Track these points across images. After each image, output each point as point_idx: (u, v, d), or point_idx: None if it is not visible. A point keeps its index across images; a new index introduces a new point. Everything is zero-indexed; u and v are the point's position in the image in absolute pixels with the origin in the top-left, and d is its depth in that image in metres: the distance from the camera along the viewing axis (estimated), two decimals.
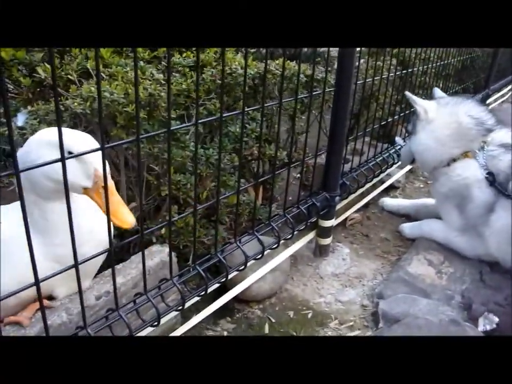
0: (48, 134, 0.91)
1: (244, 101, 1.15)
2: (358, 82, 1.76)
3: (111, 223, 0.89)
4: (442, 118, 1.82)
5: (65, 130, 0.80)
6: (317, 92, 1.55)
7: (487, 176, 1.70)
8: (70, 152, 0.84)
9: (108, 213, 0.86)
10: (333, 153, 1.67)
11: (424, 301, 1.53)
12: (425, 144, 1.84)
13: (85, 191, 0.91)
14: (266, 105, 1.24)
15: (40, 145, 0.89)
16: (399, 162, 2.24)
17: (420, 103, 1.84)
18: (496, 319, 1.46)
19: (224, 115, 1.09)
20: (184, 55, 1.56)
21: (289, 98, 1.50)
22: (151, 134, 0.99)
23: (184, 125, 1.24)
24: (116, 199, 0.90)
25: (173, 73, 1.46)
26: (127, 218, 0.89)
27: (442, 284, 1.67)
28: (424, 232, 1.96)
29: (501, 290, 1.61)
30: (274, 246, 1.46)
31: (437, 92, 2.09)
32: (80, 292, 0.91)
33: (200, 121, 1.05)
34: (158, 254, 1.28)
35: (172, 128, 0.94)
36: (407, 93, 1.91)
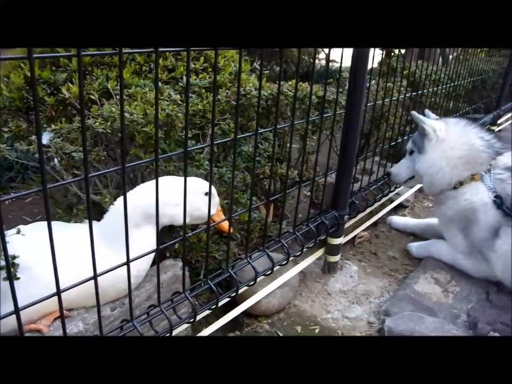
0: (201, 185, 1.23)
1: (257, 122, 1.20)
2: (368, 104, 1.80)
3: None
4: (453, 138, 1.83)
5: (200, 180, 1.24)
6: (327, 114, 1.60)
7: (494, 199, 1.71)
8: (206, 193, 1.18)
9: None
10: (343, 173, 1.71)
11: (430, 319, 1.55)
12: (438, 165, 1.83)
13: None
14: (279, 126, 1.29)
15: (195, 193, 1.18)
16: (391, 179, 2.10)
17: (428, 123, 1.84)
18: None
19: (238, 136, 1.15)
20: (200, 76, 1.62)
21: (300, 120, 1.55)
22: (169, 154, 1.04)
23: (200, 145, 1.29)
24: (223, 216, 1.30)
25: (189, 94, 1.52)
26: (227, 226, 1.27)
27: (448, 303, 1.70)
28: (431, 253, 1.98)
29: (507, 310, 1.63)
30: (283, 263, 1.50)
31: (429, 113, 2.05)
32: (98, 302, 0.96)
33: (215, 142, 1.10)
34: (171, 268, 1.33)
35: (188, 149, 1.00)
36: (414, 113, 1.91)
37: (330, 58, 2.63)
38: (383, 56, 3.14)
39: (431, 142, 1.85)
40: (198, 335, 1.35)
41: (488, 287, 1.78)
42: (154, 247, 1.20)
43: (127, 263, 0.99)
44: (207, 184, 1.22)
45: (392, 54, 3.13)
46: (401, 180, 2.04)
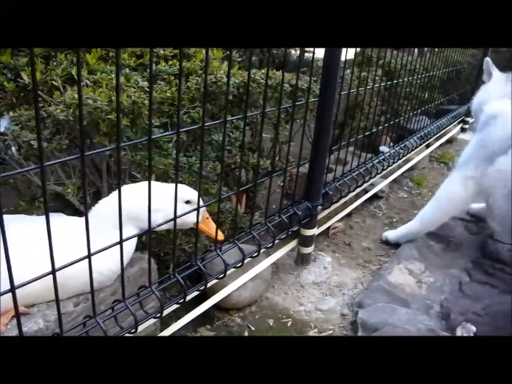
0: (183, 193, 1.17)
1: (226, 110, 1.16)
2: (342, 92, 1.77)
3: None
4: None
5: (184, 187, 1.20)
6: (300, 102, 1.57)
7: None
8: (188, 201, 1.18)
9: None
10: (316, 163, 1.69)
11: (403, 310, 1.55)
12: None
13: (194, 224, 1.21)
14: (248, 114, 1.26)
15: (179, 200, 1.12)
16: None
17: None
18: (474, 329, 1.47)
19: (206, 124, 1.10)
20: (170, 63, 1.56)
21: (272, 108, 1.51)
22: (132, 142, 0.99)
23: (165, 133, 1.25)
24: (212, 224, 1.28)
25: (158, 81, 1.47)
26: (221, 235, 1.29)
27: (422, 294, 1.69)
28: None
29: (479, 300, 1.64)
30: (254, 255, 1.47)
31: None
32: (57, 298, 0.91)
33: (181, 130, 1.06)
34: (138, 262, 1.28)
35: (153, 137, 0.95)
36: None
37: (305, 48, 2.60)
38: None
39: None
40: (166, 330, 1.31)
41: (461, 277, 1.79)
42: (134, 248, 1.18)
43: (88, 257, 0.94)
44: (191, 192, 1.21)
45: None
46: None
